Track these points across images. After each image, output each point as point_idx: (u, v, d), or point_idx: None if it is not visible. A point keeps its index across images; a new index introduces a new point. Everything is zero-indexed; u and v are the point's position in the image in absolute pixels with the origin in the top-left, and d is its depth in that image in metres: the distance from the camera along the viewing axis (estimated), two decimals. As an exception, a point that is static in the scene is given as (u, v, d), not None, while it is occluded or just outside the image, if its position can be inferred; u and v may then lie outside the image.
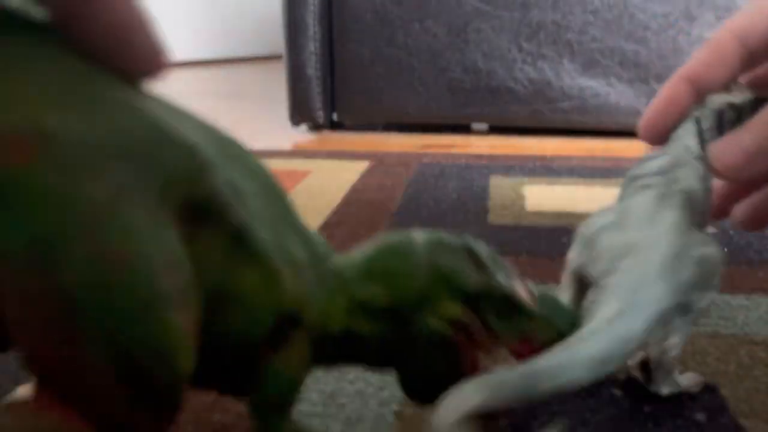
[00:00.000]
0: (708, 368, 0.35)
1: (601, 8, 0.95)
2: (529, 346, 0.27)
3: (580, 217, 0.60)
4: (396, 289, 0.25)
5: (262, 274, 0.22)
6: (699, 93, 0.33)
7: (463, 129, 1.09)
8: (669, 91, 0.33)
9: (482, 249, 0.27)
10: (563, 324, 0.27)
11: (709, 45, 0.32)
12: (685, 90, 0.33)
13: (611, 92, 0.98)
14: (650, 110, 0.34)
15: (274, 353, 0.23)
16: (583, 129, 1.01)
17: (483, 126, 1.09)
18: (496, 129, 1.08)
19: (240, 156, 0.22)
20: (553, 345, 0.25)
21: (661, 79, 0.95)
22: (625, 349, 0.26)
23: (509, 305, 0.26)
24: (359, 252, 0.26)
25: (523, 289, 0.27)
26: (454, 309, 0.25)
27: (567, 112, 0.99)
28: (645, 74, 0.96)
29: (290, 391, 0.24)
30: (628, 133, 1.05)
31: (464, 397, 0.23)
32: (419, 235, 0.26)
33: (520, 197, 0.67)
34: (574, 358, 0.25)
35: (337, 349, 0.25)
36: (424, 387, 0.26)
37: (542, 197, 0.67)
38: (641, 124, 0.34)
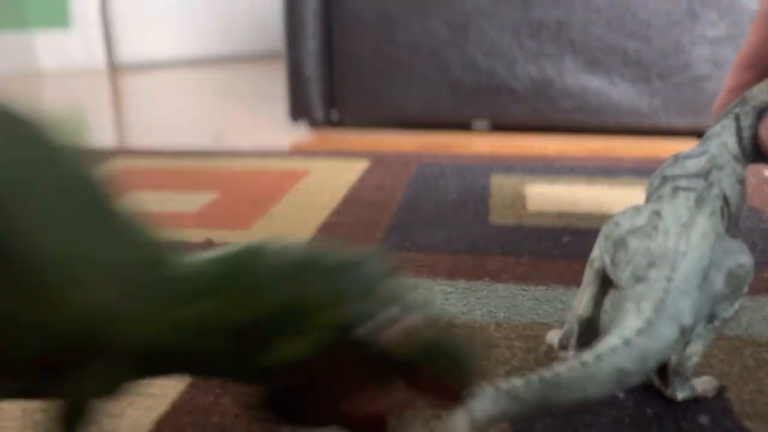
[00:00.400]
0: (712, 370, 0.35)
1: (603, 6, 0.95)
2: (432, 383, 0.23)
3: (582, 216, 0.60)
4: (238, 307, 0.22)
5: (24, 297, 0.20)
6: (763, 74, 0.32)
7: (464, 128, 1.09)
8: (733, 80, 0.33)
9: (369, 269, 0.23)
10: (455, 367, 0.23)
11: (759, 21, 0.32)
12: (749, 76, 0.32)
13: (613, 91, 0.97)
14: (718, 103, 0.33)
15: (76, 370, 0.21)
16: (585, 128, 1.01)
17: (484, 125, 1.09)
18: (498, 128, 1.08)
19: (49, 155, 0.21)
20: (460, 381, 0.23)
21: (663, 77, 0.95)
22: (651, 363, 0.25)
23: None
24: (213, 257, 0.23)
25: (412, 320, 0.23)
26: (310, 340, 0.22)
27: (569, 111, 0.99)
28: (647, 73, 0.96)
29: (80, 410, 0.22)
30: (630, 132, 1.04)
31: (482, 406, 0.23)
32: (288, 248, 0.23)
33: (522, 197, 0.67)
34: (599, 371, 0.24)
35: (171, 362, 0.23)
36: (282, 407, 0.24)
37: (544, 197, 0.67)
38: (712, 118, 0.33)
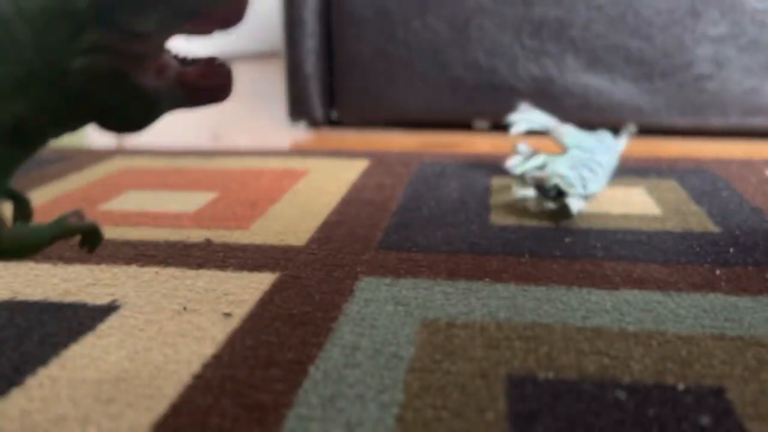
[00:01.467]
0: (714, 370, 0.34)
1: (605, 4, 0.94)
2: (212, 20, 0.27)
3: (582, 217, 0.59)
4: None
5: None
6: None
7: (465, 127, 1.08)
8: None
9: None
10: None
11: None
12: None
13: (615, 90, 0.97)
14: None
15: None
16: (587, 127, 1.00)
17: (485, 124, 1.08)
18: (499, 127, 1.07)
19: None
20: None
21: (665, 76, 0.94)
22: None
23: (135, 2, 0.26)
24: None
25: None
26: (89, 39, 0.25)
27: (570, 110, 0.99)
28: (649, 71, 0.95)
29: None
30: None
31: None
32: None
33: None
34: None
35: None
36: (123, 119, 0.27)
37: (544, 196, 0.66)
38: None
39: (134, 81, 0.26)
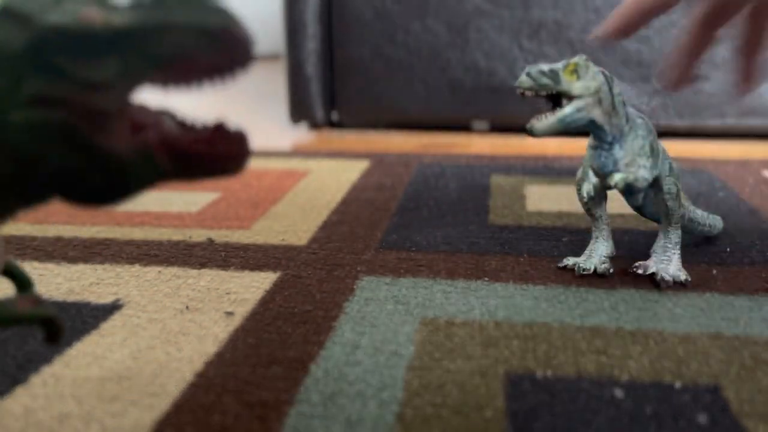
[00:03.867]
0: (711, 369, 0.35)
1: (602, 7, 0.95)
2: (194, 68, 0.21)
3: (582, 216, 0.60)
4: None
5: None
6: None
7: (464, 128, 1.09)
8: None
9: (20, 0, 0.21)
10: (198, 18, 0.21)
11: None
12: None
13: (612, 91, 0.97)
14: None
15: None
16: (584, 128, 1.01)
17: (484, 125, 1.09)
18: (497, 128, 1.08)
19: None
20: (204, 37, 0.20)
21: (662, 78, 0.95)
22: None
23: (88, 42, 0.20)
24: None
25: (95, 13, 0.20)
26: (29, 88, 0.20)
27: (568, 112, 0.99)
28: (647, 73, 0.96)
29: None
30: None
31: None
32: None
33: (521, 197, 0.67)
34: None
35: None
36: (87, 190, 0.22)
37: (543, 197, 0.67)
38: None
39: (91, 141, 0.21)
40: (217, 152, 0.22)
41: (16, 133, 0.20)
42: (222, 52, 0.21)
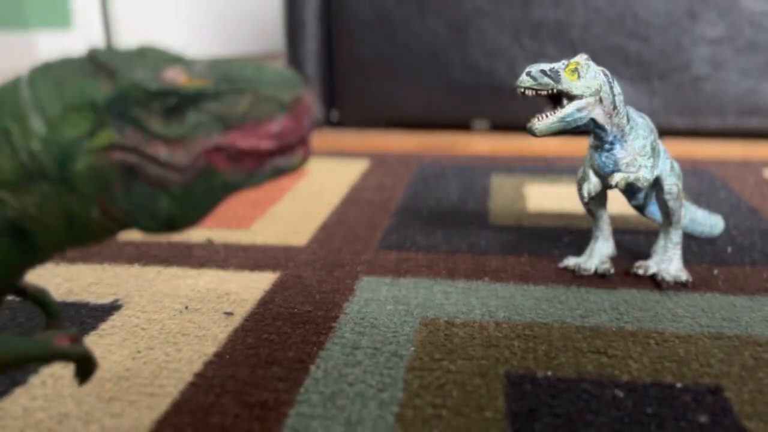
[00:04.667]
0: (712, 369, 0.35)
1: (603, 6, 0.95)
2: (251, 131, 0.22)
3: (582, 217, 0.60)
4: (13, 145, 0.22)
5: None
6: None
7: (464, 128, 1.09)
8: None
9: (107, 50, 0.22)
10: (272, 85, 0.21)
11: None
12: None
13: (613, 91, 0.97)
14: None
15: None
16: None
17: (484, 125, 1.09)
18: (498, 128, 1.08)
19: None
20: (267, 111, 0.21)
21: (663, 77, 0.95)
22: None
23: (168, 99, 0.21)
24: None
25: (178, 73, 0.22)
26: (104, 137, 0.21)
27: (568, 111, 0.99)
28: (647, 72, 0.96)
29: None
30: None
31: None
32: (26, 74, 0.23)
33: (522, 197, 0.67)
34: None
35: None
36: (151, 220, 0.22)
37: (544, 197, 0.67)
38: None
39: (156, 183, 0.22)
40: (286, 143, 0.22)
41: (81, 178, 0.22)
42: (290, 120, 0.22)
